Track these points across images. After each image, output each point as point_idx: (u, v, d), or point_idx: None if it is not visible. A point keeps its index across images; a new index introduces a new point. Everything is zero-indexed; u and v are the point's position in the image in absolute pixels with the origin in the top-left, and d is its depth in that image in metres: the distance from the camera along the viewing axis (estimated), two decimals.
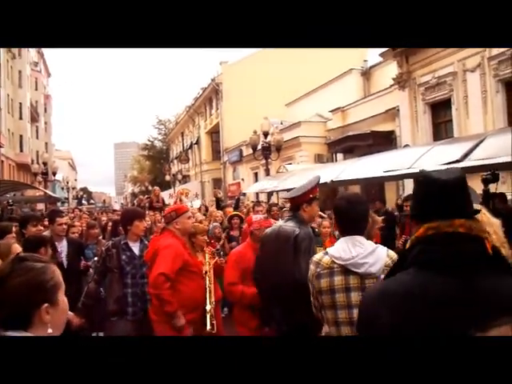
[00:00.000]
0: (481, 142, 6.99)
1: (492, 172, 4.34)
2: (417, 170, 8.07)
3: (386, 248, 2.59)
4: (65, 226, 5.47)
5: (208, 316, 4.50)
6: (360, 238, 2.56)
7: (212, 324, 4.48)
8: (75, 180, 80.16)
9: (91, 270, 5.54)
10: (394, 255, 2.54)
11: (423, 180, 1.53)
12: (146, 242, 4.85)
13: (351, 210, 2.62)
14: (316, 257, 2.68)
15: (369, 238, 2.98)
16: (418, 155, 8.34)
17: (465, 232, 1.40)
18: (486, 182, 4.29)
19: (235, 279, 4.34)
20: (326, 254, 2.62)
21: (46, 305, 1.48)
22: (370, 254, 2.49)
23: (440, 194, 1.46)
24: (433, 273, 1.39)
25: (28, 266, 1.52)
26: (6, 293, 1.46)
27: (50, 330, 1.49)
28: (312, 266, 2.64)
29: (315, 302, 2.65)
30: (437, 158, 7.81)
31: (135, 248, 4.69)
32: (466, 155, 6.89)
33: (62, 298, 1.58)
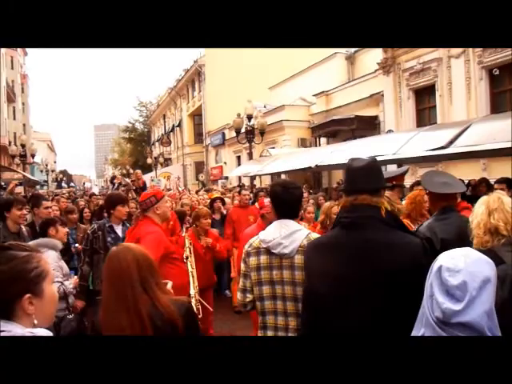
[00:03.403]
0: (466, 128, 7.01)
1: None
2: (402, 156, 8.09)
3: (308, 232, 2.79)
4: (50, 210, 5.37)
5: (193, 301, 4.47)
6: (288, 222, 2.79)
7: (197, 309, 4.46)
8: (54, 162, 78.67)
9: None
10: (314, 237, 2.71)
11: (346, 166, 2.29)
12: (128, 225, 5.04)
13: (285, 194, 2.84)
14: (251, 238, 2.97)
15: None
16: (403, 141, 8.35)
17: (366, 203, 2.15)
18: None
19: None
20: (258, 236, 2.92)
21: (28, 295, 1.42)
22: (287, 237, 2.73)
23: (349, 177, 2.28)
24: (344, 230, 2.22)
25: (10, 254, 1.45)
26: None
27: (35, 321, 1.43)
28: (245, 246, 2.95)
29: (248, 279, 2.90)
30: (422, 144, 7.82)
31: (118, 230, 4.94)
32: (451, 142, 6.91)
33: (49, 289, 1.50)
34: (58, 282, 3.71)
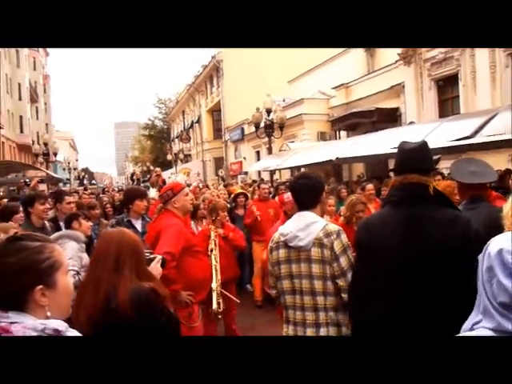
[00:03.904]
0: (492, 117, 6.80)
1: None
2: None
3: (325, 223, 2.76)
4: (72, 205, 5.40)
5: (214, 295, 4.46)
6: (306, 213, 2.78)
7: (218, 303, 4.44)
8: (76, 160, 79.90)
9: None
10: (331, 229, 2.70)
11: (397, 148, 2.44)
12: (147, 219, 5.01)
13: (295, 185, 2.91)
14: (274, 234, 2.98)
15: None
16: (426, 132, 8.16)
17: (415, 182, 2.26)
18: None
19: None
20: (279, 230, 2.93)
21: (40, 286, 1.38)
22: (303, 229, 2.71)
23: (400, 157, 2.40)
24: (393, 208, 2.34)
25: (21, 245, 1.41)
26: None
27: (48, 313, 1.39)
28: (269, 242, 2.98)
29: (274, 275, 2.92)
30: (445, 134, 7.63)
31: (138, 225, 4.89)
32: (476, 132, 6.72)
33: (63, 280, 1.46)
34: (74, 270, 3.72)
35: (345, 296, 2.62)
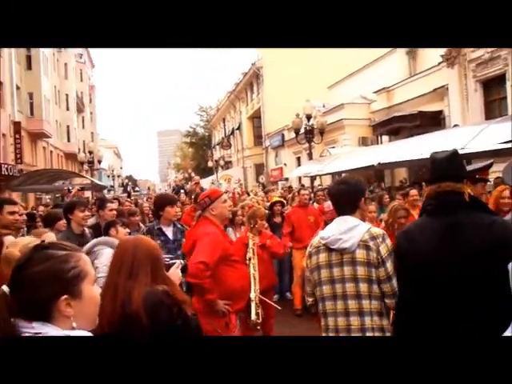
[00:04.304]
0: None
1: None
2: (471, 151, 7.62)
3: (369, 226, 2.75)
4: (114, 212, 5.46)
5: (253, 305, 4.35)
6: (346, 218, 2.75)
7: (257, 313, 4.34)
8: (120, 168, 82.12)
9: None
10: (376, 232, 2.69)
11: (429, 158, 2.47)
12: (179, 226, 5.00)
13: (333, 190, 2.93)
14: (313, 239, 2.97)
15: None
16: (472, 135, 7.87)
17: (449, 190, 2.30)
18: None
19: None
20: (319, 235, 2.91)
21: (65, 296, 1.34)
22: (345, 232, 2.68)
23: (432, 167, 2.43)
24: (429, 216, 2.39)
25: (47, 254, 1.38)
26: (21, 282, 1.33)
27: (74, 324, 1.35)
28: (308, 248, 2.93)
29: (312, 281, 2.86)
30: (493, 137, 7.33)
31: (168, 232, 4.88)
32: None
33: (89, 290, 1.42)
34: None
35: (388, 302, 2.61)
